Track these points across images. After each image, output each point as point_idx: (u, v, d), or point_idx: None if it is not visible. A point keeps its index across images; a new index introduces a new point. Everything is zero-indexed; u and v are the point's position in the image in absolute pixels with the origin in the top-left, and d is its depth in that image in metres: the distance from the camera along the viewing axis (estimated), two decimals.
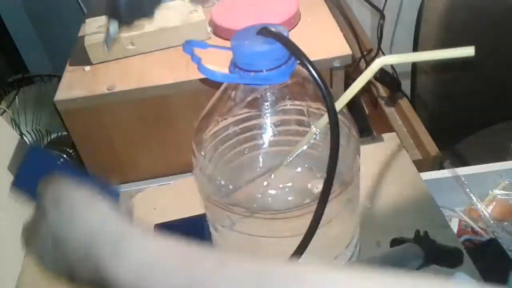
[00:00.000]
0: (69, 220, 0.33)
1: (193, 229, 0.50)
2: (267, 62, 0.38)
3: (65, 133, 1.05)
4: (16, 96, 1.07)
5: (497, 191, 0.71)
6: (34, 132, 1.05)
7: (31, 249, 0.37)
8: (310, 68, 0.35)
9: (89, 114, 0.71)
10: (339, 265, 0.34)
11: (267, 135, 0.41)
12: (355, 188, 0.46)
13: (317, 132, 0.39)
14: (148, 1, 0.43)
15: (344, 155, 0.42)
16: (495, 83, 1.01)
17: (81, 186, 0.35)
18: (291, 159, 0.41)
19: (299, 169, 0.43)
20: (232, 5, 0.80)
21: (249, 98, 0.41)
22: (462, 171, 0.70)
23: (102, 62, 0.74)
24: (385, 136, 0.72)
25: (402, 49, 1.31)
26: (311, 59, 0.35)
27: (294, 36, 0.37)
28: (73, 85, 0.71)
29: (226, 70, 0.40)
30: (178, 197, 0.65)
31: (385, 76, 0.83)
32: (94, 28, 0.76)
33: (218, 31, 0.76)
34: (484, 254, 0.61)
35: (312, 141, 0.39)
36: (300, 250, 0.38)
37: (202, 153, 0.45)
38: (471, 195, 0.68)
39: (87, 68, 0.74)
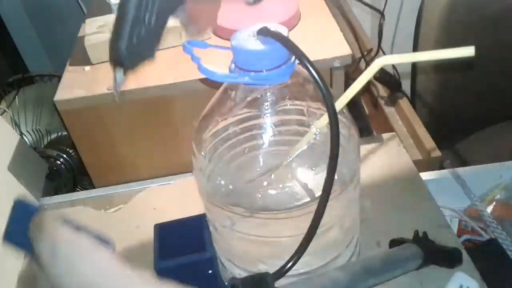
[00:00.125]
0: (68, 273, 0.32)
1: (193, 229, 0.49)
2: (267, 62, 0.38)
3: (65, 133, 1.05)
4: (16, 96, 1.07)
5: (497, 191, 0.71)
6: (34, 132, 1.05)
7: None
8: (310, 68, 0.35)
9: (89, 114, 0.71)
10: None
11: (267, 135, 0.41)
12: (355, 188, 0.46)
13: (317, 132, 0.39)
14: (148, 44, 0.44)
15: (344, 155, 0.42)
16: (495, 83, 1.01)
17: (75, 233, 0.33)
18: (291, 159, 0.41)
19: (299, 169, 0.43)
20: (232, 5, 0.80)
21: (249, 98, 0.41)
22: (462, 171, 0.70)
23: (102, 62, 0.74)
24: (385, 136, 0.72)
25: (402, 49, 1.31)
26: (311, 59, 0.35)
27: (294, 36, 0.37)
28: (73, 85, 0.71)
29: (226, 70, 0.40)
30: (178, 197, 0.65)
31: (385, 76, 0.83)
32: (94, 28, 0.76)
33: (218, 31, 0.76)
34: (484, 254, 0.60)
35: (312, 141, 0.39)
36: (300, 250, 0.38)
37: (202, 153, 0.45)
38: (471, 195, 0.67)
39: (87, 68, 0.74)
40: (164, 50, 0.74)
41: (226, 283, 0.51)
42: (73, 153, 0.99)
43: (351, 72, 0.83)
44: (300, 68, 0.38)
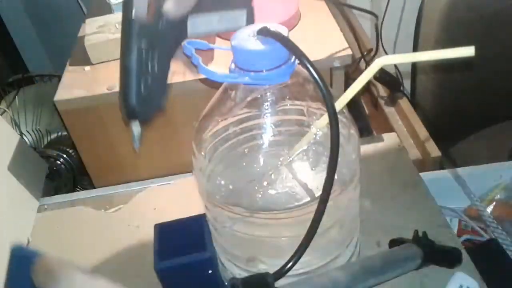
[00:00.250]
0: None
1: (193, 229, 0.49)
2: (267, 62, 0.38)
3: (65, 133, 1.05)
4: (16, 96, 1.07)
5: (497, 191, 0.71)
6: (34, 132, 1.05)
7: None
8: (310, 68, 0.35)
9: (89, 114, 0.71)
10: None
11: (267, 135, 0.41)
12: (355, 188, 0.46)
13: (317, 132, 0.39)
14: (157, 92, 0.44)
15: (344, 155, 0.42)
16: (495, 83, 1.01)
17: (92, 277, 0.32)
18: (291, 159, 0.41)
19: (299, 169, 0.43)
20: None
21: (249, 98, 0.41)
22: (462, 171, 0.70)
23: (102, 62, 0.74)
24: (385, 136, 0.72)
25: (402, 49, 1.31)
26: (311, 59, 0.35)
27: (294, 36, 0.37)
28: (73, 85, 0.71)
29: (226, 70, 0.40)
30: (178, 197, 0.65)
31: (385, 76, 0.83)
32: (94, 28, 0.76)
33: None
34: (484, 254, 0.61)
35: (312, 141, 0.39)
36: (300, 250, 0.38)
37: (202, 153, 0.45)
38: (471, 195, 0.68)
39: (87, 68, 0.74)
40: None
41: (226, 283, 0.51)
42: (73, 153, 0.99)
43: (351, 72, 0.83)
44: (300, 68, 0.38)
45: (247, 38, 0.38)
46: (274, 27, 0.38)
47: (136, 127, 0.45)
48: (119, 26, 0.74)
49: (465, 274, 0.49)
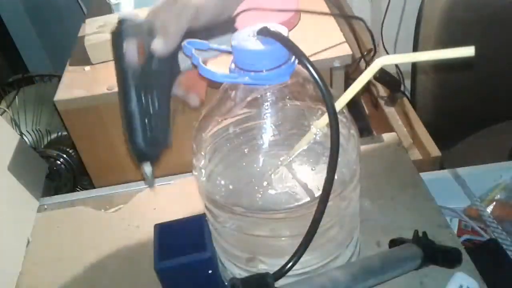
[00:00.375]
0: None
1: (193, 229, 0.49)
2: (267, 62, 0.38)
3: (65, 133, 1.05)
4: (16, 96, 1.07)
5: (497, 191, 0.71)
6: (34, 132, 1.05)
7: None
8: (310, 68, 0.35)
9: (89, 114, 0.71)
10: None
11: (267, 135, 0.41)
12: (355, 188, 0.46)
13: (317, 132, 0.39)
14: (162, 129, 0.45)
15: (344, 155, 0.42)
16: (495, 83, 1.01)
17: None
18: (291, 159, 0.41)
19: (299, 169, 0.43)
20: None
21: (249, 98, 0.41)
22: (462, 171, 0.70)
23: (102, 62, 0.74)
24: (385, 136, 0.72)
25: (402, 49, 1.31)
26: (311, 59, 0.35)
27: (294, 36, 0.37)
28: (73, 85, 0.71)
29: (226, 70, 0.40)
30: (178, 197, 0.65)
31: (385, 76, 0.83)
32: (94, 28, 0.76)
33: None
34: (484, 254, 0.61)
35: (312, 141, 0.39)
36: (300, 250, 0.38)
37: (202, 153, 0.45)
38: (471, 195, 0.68)
39: (87, 68, 0.74)
40: None
41: (226, 283, 0.51)
42: (73, 153, 0.99)
43: (351, 72, 0.83)
44: (300, 68, 0.38)
45: (247, 38, 0.38)
46: (274, 27, 0.38)
47: (147, 168, 0.46)
48: None
49: (465, 274, 0.49)
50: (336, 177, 0.36)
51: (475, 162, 0.72)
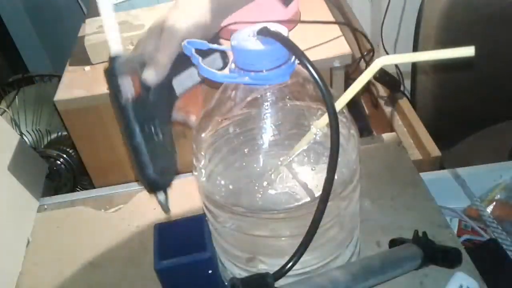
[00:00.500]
0: None
1: (193, 229, 0.49)
2: (267, 62, 0.38)
3: (65, 133, 1.05)
4: (16, 96, 1.07)
5: (497, 191, 0.71)
6: (34, 132, 1.05)
7: None
8: (310, 68, 0.35)
9: (89, 114, 0.71)
10: None
11: (267, 135, 0.41)
12: (355, 188, 0.46)
13: (317, 132, 0.39)
14: (168, 157, 0.45)
15: (344, 155, 0.42)
16: (495, 83, 1.01)
17: None
18: (291, 159, 0.41)
19: (299, 169, 0.43)
20: None
21: (249, 98, 0.41)
22: (462, 171, 0.70)
23: (102, 62, 0.74)
24: (385, 136, 0.72)
25: (402, 49, 1.31)
26: (311, 59, 0.35)
27: (294, 36, 0.37)
28: (73, 85, 0.71)
29: (226, 70, 0.40)
30: (178, 197, 0.65)
31: (385, 76, 0.84)
32: (94, 28, 0.76)
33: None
34: (484, 254, 0.61)
35: (312, 141, 0.39)
36: (300, 250, 0.38)
37: (202, 153, 0.45)
38: (471, 195, 0.68)
39: (87, 68, 0.74)
40: None
41: (226, 283, 0.51)
42: (73, 153, 0.99)
43: (351, 72, 0.83)
44: (300, 68, 0.38)
45: (247, 38, 0.38)
46: (274, 27, 0.38)
47: (161, 196, 0.46)
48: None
49: (465, 274, 0.49)
50: (336, 177, 0.36)
51: (475, 162, 0.72)
